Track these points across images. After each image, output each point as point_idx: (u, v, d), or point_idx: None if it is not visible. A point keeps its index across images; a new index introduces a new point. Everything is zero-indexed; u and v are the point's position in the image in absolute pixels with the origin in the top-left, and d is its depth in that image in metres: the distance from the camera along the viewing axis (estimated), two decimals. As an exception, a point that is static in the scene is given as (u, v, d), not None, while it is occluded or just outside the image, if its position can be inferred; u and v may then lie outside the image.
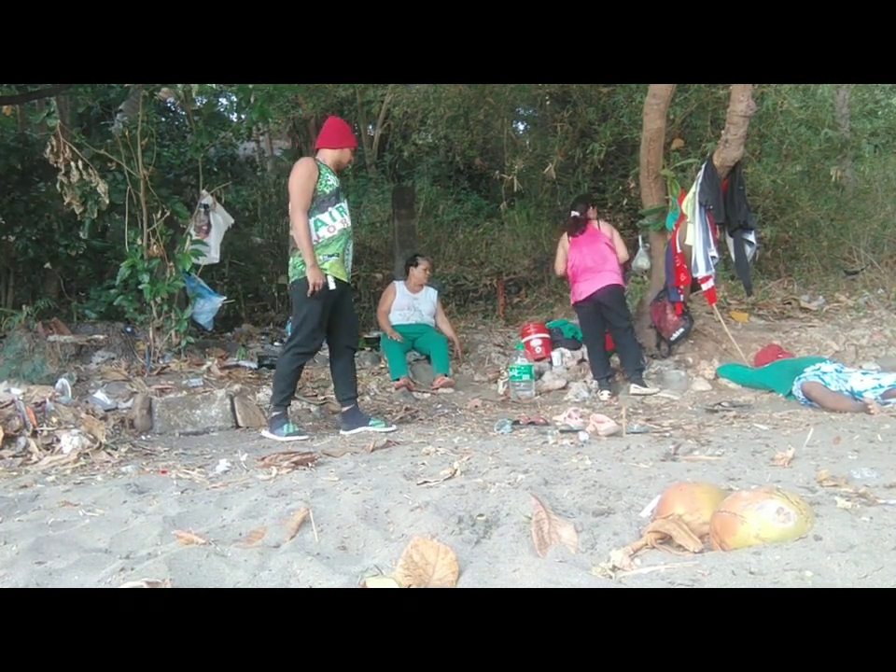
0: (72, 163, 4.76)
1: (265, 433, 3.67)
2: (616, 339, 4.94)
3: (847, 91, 7.87)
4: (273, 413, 3.64)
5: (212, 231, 5.61)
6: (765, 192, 6.99)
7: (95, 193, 4.87)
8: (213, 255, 5.66)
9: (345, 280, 3.67)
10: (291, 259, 3.69)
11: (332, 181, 3.62)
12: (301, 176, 3.56)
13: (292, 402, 4.49)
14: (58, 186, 4.91)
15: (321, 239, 3.58)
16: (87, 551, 1.68)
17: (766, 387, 4.46)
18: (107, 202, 4.89)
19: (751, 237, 5.01)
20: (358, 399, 3.90)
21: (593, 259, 4.90)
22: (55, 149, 4.77)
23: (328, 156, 3.69)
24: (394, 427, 3.70)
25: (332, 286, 3.55)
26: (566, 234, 5.12)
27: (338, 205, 3.62)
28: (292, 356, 3.64)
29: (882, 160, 8.01)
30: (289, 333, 3.81)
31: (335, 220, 3.60)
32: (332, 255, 3.60)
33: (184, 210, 5.41)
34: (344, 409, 3.77)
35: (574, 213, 5.02)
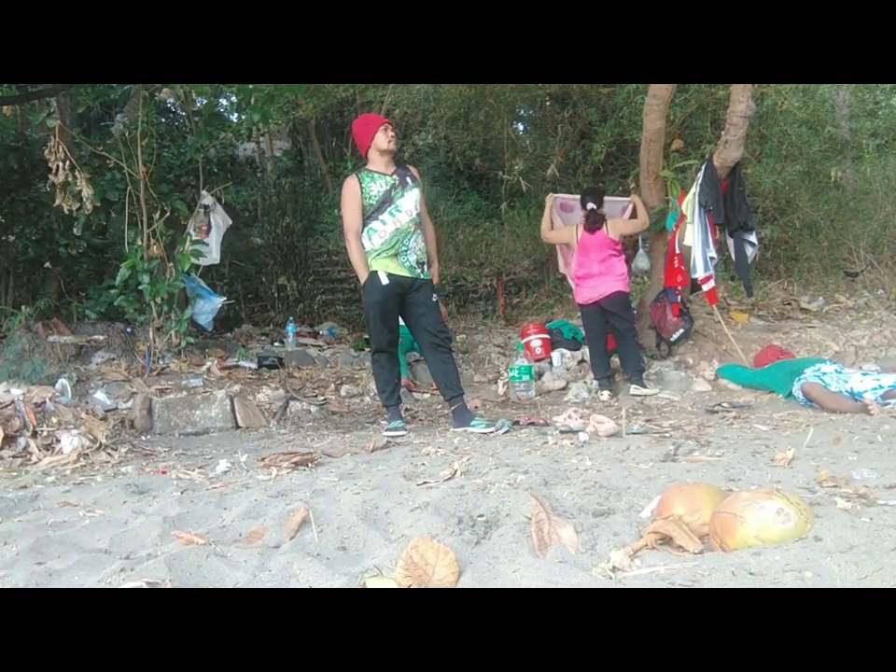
0: (59, 164, 4.75)
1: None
2: (618, 340, 4.94)
3: (846, 92, 7.87)
4: (387, 409, 3.75)
5: (212, 232, 5.62)
6: (765, 193, 6.99)
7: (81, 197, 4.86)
8: (213, 255, 5.66)
9: (407, 275, 3.58)
10: None
11: (377, 188, 3.57)
12: (344, 200, 3.63)
13: (291, 403, 4.50)
14: (48, 186, 4.91)
15: (375, 246, 3.58)
16: (87, 551, 1.68)
17: (766, 388, 4.45)
18: (90, 207, 4.87)
19: (752, 238, 5.01)
20: (363, 399, 3.84)
21: (598, 267, 4.86)
22: (52, 150, 4.78)
23: (370, 157, 3.66)
24: (498, 429, 3.45)
25: (385, 280, 3.52)
26: (581, 226, 5.00)
27: (390, 208, 3.57)
28: (372, 359, 3.78)
29: (882, 160, 8.00)
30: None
31: (386, 224, 3.56)
32: (380, 253, 3.56)
33: (184, 207, 5.41)
34: (451, 408, 3.67)
35: (591, 205, 4.96)
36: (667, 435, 3.05)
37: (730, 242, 5.07)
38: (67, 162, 4.78)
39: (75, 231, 5.44)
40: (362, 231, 3.59)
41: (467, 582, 1.30)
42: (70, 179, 4.78)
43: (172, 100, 8.37)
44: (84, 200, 4.81)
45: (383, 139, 3.59)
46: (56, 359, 4.59)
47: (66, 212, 4.95)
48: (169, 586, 1.36)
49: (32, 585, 1.44)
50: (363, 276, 3.58)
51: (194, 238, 5.34)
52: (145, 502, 2.16)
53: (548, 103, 8.90)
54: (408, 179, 3.66)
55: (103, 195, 5.11)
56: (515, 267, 8.45)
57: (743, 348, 5.08)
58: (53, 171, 4.77)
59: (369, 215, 3.58)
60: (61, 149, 4.77)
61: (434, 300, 3.67)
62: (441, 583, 1.29)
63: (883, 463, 2.15)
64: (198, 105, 6.05)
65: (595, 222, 4.90)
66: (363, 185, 3.58)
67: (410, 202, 3.61)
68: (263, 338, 6.74)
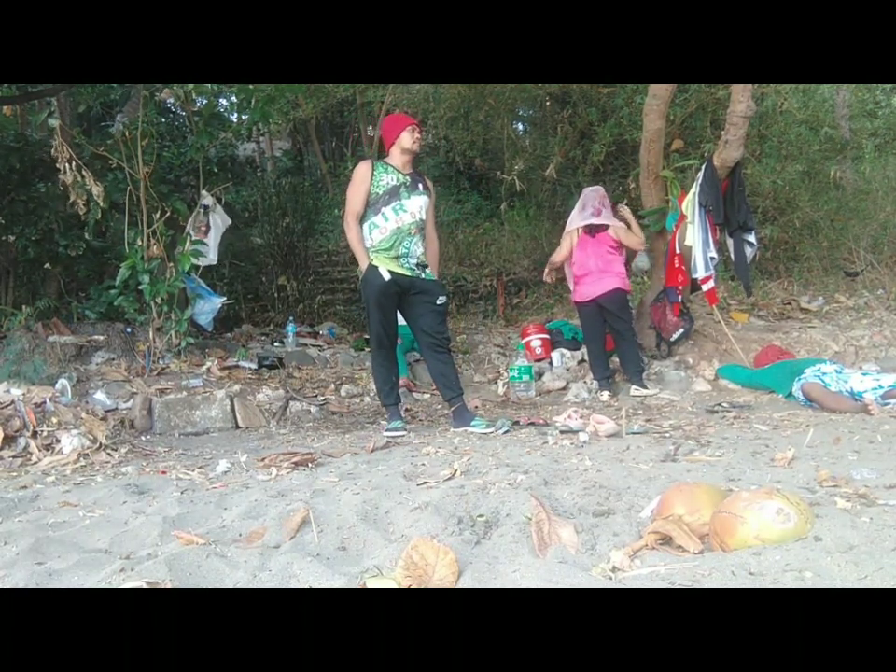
0: (66, 164, 4.76)
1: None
2: (617, 341, 4.93)
3: (847, 92, 7.87)
4: (386, 408, 3.75)
5: (210, 232, 5.62)
6: (765, 193, 6.99)
7: (92, 195, 4.87)
8: (211, 256, 5.66)
9: (407, 274, 3.58)
10: None
11: (388, 179, 3.59)
12: (353, 181, 3.65)
13: (291, 403, 4.50)
14: (60, 186, 4.92)
15: (374, 242, 3.57)
16: (87, 551, 1.68)
17: (766, 388, 4.45)
18: (102, 204, 4.88)
19: (751, 238, 5.01)
20: (363, 399, 3.82)
21: (596, 262, 4.85)
22: (58, 150, 4.79)
23: (392, 153, 3.69)
24: (498, 429, 3.44)
25: (387, 276, 3.52)
26: (580, 230, 4.97)
27: (395, 204, 3.57)
28: (371, 356, 3.87)
29: (882, 160, 8.01)
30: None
31: (388, 220, 3.56)
32: (378, 251, 3.57)
33: (184, 208, 5.41)
34: (451, 408, 3.67)
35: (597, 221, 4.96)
36: (667, 435, 3.05)
37: (729, 242, 5.07)
38: (73, 162, 4.79)
39: (86, 234, 5.44)
40: (363, 224, 3.60)
41: (467, 582, 1.30)
42: (78, 179, 4.79)
43: (172, 100, 8.37)
44: (96, 197, 4.81)
45: (408, 138, 3.63)
46: (56, 359, 4.59)
47: (81, 211, 4.95)
48: (169, 586, 1.36)
49: (32, 585, 1.44)
50: (363, 261, 3.57)
51: (193, 238, 5.35)
52: (145, 502, 2.16)
53: (548, 103, 8.91)
54: (419, 185, 3.68)
55: (108, 197, 5.12)
56: (515, 267, 8.45)
57: (743, 348, 5.08)
58: (61, 171, 4.78)
59: (372, 204, 3.58)
60: (65, 149, 4.77)
61: (440, 302, 3.65)
62: (440, 583, 1.29)
63: (883, 463, 2.15)
64: (198, 105, 6.04)
65: (596, 228, 4.89)
66: (375, 171, 3.60)
67: (416, 204, 3.62)
68: (263, 338, 6.74)
